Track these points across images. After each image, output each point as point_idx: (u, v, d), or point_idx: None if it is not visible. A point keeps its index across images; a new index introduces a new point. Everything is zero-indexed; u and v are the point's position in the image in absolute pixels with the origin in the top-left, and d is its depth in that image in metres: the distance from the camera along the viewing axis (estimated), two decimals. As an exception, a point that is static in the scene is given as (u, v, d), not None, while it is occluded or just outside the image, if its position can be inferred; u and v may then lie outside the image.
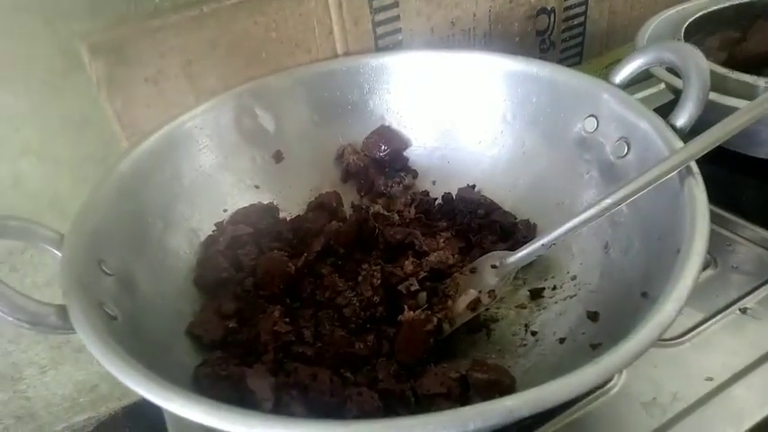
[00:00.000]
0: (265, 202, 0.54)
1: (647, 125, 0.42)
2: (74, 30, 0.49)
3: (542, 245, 0.41)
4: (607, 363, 0.27)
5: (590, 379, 0.26)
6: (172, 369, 0.37)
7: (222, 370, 0.37)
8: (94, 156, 0.56)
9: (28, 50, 0.49)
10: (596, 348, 0.36)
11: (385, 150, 0.56)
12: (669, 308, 0.29)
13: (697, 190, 0.36)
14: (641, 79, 0.67)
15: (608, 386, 0.45)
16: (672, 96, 0.61)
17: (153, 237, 0.45)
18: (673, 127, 0.41)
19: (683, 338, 0.47)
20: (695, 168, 0.37)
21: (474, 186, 0.54)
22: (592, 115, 0.47)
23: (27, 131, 0.52)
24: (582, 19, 0.72)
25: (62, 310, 0.32)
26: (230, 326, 0.43)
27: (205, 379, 0.36)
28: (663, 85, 0.69)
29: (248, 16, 0.52)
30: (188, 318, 0.43)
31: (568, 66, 0.75)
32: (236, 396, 0.35)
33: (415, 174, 0.58)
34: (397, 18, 0.59)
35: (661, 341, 0.47)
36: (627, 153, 0.44)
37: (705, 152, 0.37)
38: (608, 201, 0.38)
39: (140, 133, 0.50)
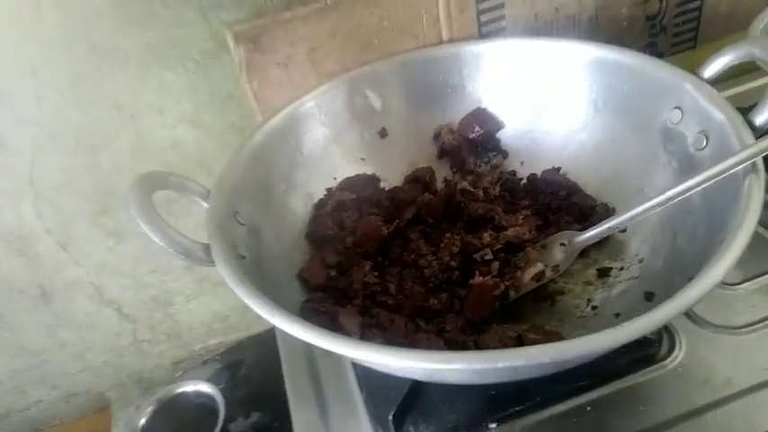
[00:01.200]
0: (369, 173, 0.62)
1: (724, 120, 0.44)
2: (222, 19, 0.60)
3: (608, 227, 0.46)
4: (630, 328, 0.32)
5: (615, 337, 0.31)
6: (284, 303, 0.47)
7: (321, 306, 0.46)
8: (235, 125, 0.68)
9: (185, 36, 0.60)
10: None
11: (478, 131, 0.61)
12: (693, 294, 0.33)
13: (755, 185, 0.38)
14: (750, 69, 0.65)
15: (662, 362, 0.48)
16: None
17: (277, 196, 0.55)
18: (750, 124, 0.43)
19: (752, 328, 0.49)
20: (760, 165, 0.39)
21: (559, 169, 0.58)
22: (677, 107, 0.49)
23: (184, 103, 0.64)
24: (698, 3, 0.71)
25: (207, 248, 0.43)
26: (331, 274, 0.52)
27: (308, 312, 0.46)
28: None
29: (364, 7, 0.59)
30: (299, 265, 0.53)
31: (681, 50, 0.74)
32: (330, 328, 0.44)
33: (505, 154, 0.62)
34: (501, 5, 0.63)
35: (729, 328, 0.50)
36: (705, 146, 0.46)
37: None
38: (671, 192, 0.42)
39: (272, 109, 0.60)
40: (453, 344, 0.44)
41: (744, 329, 0.49)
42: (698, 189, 0.40)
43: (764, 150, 0.39)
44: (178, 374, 0.90)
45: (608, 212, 0.54)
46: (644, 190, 0.52)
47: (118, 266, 0.74)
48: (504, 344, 0.44)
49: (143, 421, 0.68)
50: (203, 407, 0.69)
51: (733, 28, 0.75)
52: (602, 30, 0.69)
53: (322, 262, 0.53)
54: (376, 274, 0.50)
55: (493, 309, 0.47)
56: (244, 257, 0.45)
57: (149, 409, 0.69)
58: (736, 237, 0.35)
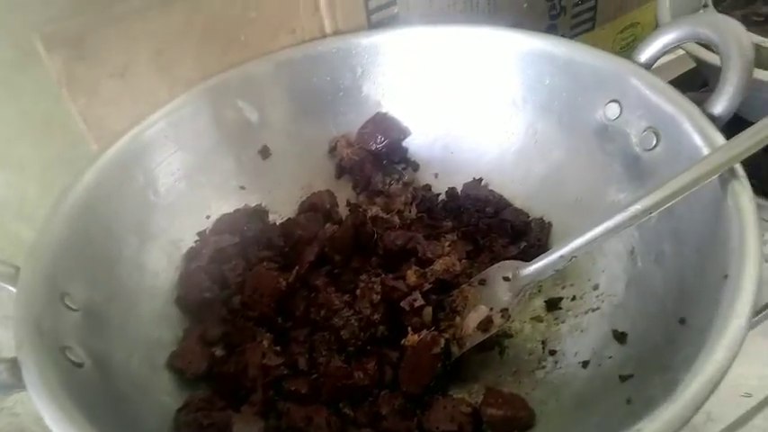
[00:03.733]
0: (252, 205, 0.49)
1: (679, 114, 0.37)
2: (26, 20, 0.44)
3: (561, 256, 0.36)
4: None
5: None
6: (150, 414, 0.34)
7: (205, 417, 0.33)
8: (62, 157, 0.51)
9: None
10: (626, 381, 0.32)
11: (382, 141, 0.51)
12: (720, 357, 0.25)
13: (744, 199, 0.31)
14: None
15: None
16: (693, 64, 0.54)
17: (126, 256, 0.40)
18: (710, 116, 0.36)
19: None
20: (741, 171, 0.32)
21: (481, 180, 0.49)
22: (614, 100, 0.42)
23: (-15, 135, 0.47)
24: (596, -21, 0.66)
25: (14, 365, 0.28)
26: (216, 354, 0.39)
27: (186, 428, 0.32)
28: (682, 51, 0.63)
29: (223, -5, 0.46)
30: (169, 347, 0.39)
31: (581, 32, 0.69)
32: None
33: (415, 166, 0.52)
34: (392, -11, 0.53)
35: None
36: (656, 145, 0.39)
37: (754, 150, 0.32)
38: (637, 206, 0.33)
39: (109, 134, 0.45)
40: (394, 435, 0.34)
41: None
42: (673, 202, 0.32)
43: (746, 151, 0.31)
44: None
45: (544, 228, 0.46)
46: (582, 199, 0.45)
47: None
48: (457, 424, 0.34)
49: None
50: None
51: (626, 8, 0.71)
52: (501, 13, 0.61)
53: (201, 339, 0.39)
54: (277, 348, 0.38)
55: (435, 374, 0.37)
56: (80, 364, 0.31)
57: None
58: (743, 271, 0.27)
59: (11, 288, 0.33)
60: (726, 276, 0.28)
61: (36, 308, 0.31)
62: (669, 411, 0.24)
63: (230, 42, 0.48)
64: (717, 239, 0.31)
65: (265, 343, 0.38)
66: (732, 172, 0.32)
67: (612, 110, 0.42)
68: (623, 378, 0.32)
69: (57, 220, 0.36)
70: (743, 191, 0.31)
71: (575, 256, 0.35)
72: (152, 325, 0.39)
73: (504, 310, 0.37)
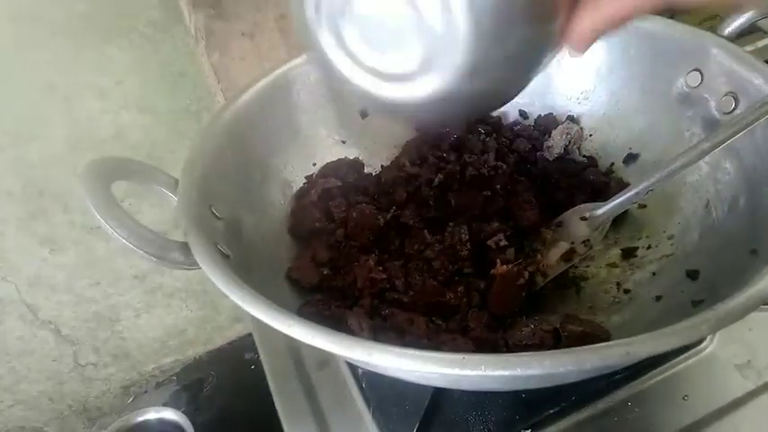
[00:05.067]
0: (351, 158, 0.55)
1: (759, 79, 0.40)
2: (174, -17, 0.51)
3: (636, 193, 0.41)
4: (720, 312, 0.27)
5: (708, 326, 0.26)
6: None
7: (326, 310, 0.38)
8: (190, 109, 0.59)
9: (130, 4, 0.51)
10: (699, 305, 0.35)
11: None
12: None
13: None
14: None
15: (700, 346, 0.44)
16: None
17: (253, 186, 0.47)
18: (787, 79, 0.39)
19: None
20: None
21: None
22: (696, 69, 0.45)
23: (129, 84, 0.55)
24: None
25: (185, 247, 0.34)
26: (325, 272, 0.45)
27: (310, 317, 0.38)
28: (763, 42, 0.65)
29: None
30: (286, 263, 0.45)
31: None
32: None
33: (497, 127, 0.57)
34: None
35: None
36: (734, 108, 0.42)
37: None
38: (705, 145, 0.38)
39: (235, 87, 0.52)
40: (482, 344, 0.38)
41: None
42: (736, 137, 0.36)
43: None
44: (129, 400, 0.80)
45: (623, 189, 0.49)
46: (662, 162, 0.48)
47: (54, 280, 0.64)
48: (540, 339, 0.38)
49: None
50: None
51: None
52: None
53: (312, 259, 0.45)
54: (381, 268, 0.43)
55: (520, 300, 0.42)
56: (228, 257, 0.37)
57: (103, 446, 0.59)
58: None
59: (172, 195, 0.39)
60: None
61: (193, 209, 0.38)
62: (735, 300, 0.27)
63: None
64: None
65: (371, 261, 0.43)
66: None
67: (694, 78, 0.45)
68: (695, 303, 0.36)
69: (202, 147, 0.43)
70: None
71: (650, 190, 0.39)
72: (273, 244, 0.46)
73: (587, 241, 0.42)
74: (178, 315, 0.77)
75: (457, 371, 0.26)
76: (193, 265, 0.34)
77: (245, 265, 0.39)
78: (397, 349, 0.26)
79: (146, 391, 0.80)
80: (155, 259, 0.33)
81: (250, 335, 0.82)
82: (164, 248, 0.34)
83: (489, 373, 0.26)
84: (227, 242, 0.38)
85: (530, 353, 0.26)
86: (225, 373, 0.81)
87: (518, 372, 0.26)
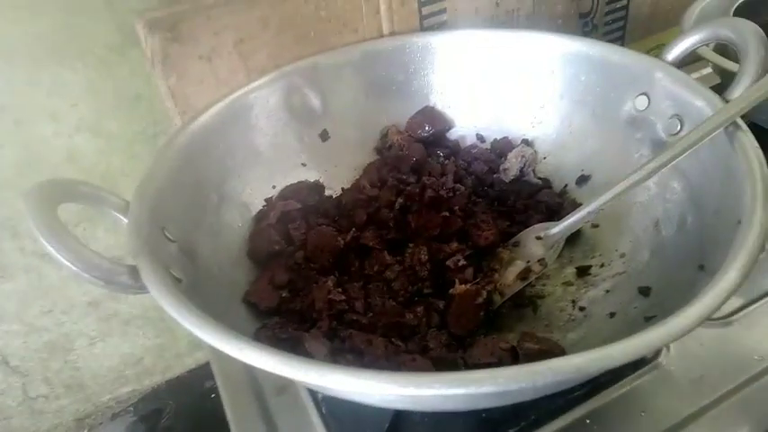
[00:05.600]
0: (311, 180, 0.55)
1: (701, 102, 0.42)
2: (131, 7, 0.51)
3: (588, 212, 0.42)
4: (671, 326, 0.28)
5: (660, 337, 0.27)
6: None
7: (282, 333, 0.38)
8: (146, 132, 0.58)
9: (87, 26, 0.50)
10: (651, 320, 0.36)
11: (429, 130, 0.57)
12: (732, 276, 0.29)
13: (750, 149, 0.36)
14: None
15: (654, 363, 0.45)
16: (718, 80, 0.60)
17: (209, 209, 0.46)
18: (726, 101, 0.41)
19: (731, 318, 0.47)
20: (743, 125, 0.37)
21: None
22: (643, 93, 0.47)
23: (83, 107, 0.54)
24: (625, 2, 0.72)
25: (134, 271, 0.34)
26: (283, 295, 0.44)
27: (266, 341, 0.38)
28: (707, 70, 0.68)
29: (299, -5, 0.53)
30: (243, 287, 0.44)
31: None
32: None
33: (456, 153, 0.58)
34: (443, -2, 0.59)
35: (709, 320, 0.47)
36: (680, 130, 0.44)
37: (752, 106, 0.37)
38: (652, 165, 0.39)
39: (192, 110, 0.51)
40: (441, 363, 0.38)
41: (725, 320, 0.47)
42: (683, 155, 0.38)
43: (746, 107, 0.37)
44: (83, 434, 0.76)
45: (576, 208, 0.50)
46: (613, 182, 0.50)
47: (2, 309, 0.61)
48: (498, 358, 0.38)
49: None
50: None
51: (654, 29, 0.77)
52: (539, 27, 0.67)
53: (270, 282, 0.45)
54: (340, 290, 0.43)
55: (479, 320, 0.42)
56: (180, 281, 0.36)
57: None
58: (754, 212, 0.32)
59: (122, 217, 0.38)
60: (739, 222, 0.33)
61: (144, 232, 0.37)
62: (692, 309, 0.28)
63: (301, 37, 0.55)
64: (731, 195, 0.35)
65: (330, 283, 0.43)
66: (736, 126, 0.37)
67: (641, 102, 0.47)
68: (648, 319, 0.37)
69: (156, 169, 0.42)
70: (746, 138, 0.36)
71: (602, 209, 0.40)
72: (229, 268, 0.45)
73: (542, 260, 0.42)
74: (135, 343, 0.74)
75: (411, 390, 0.26)
76: (142, 289, 0.33)
77: (198, 289, 0.38)
78: (353, 370, 0.26)
79: (101, 423, 0.77)
80: (102, 283, 0.32)
81: (209, 363, 0.80)
82: (111, 272, 0.33)
83: (444, 392, 0.26)
84: (180, 266, 0.38)
85: (483, 370, 0.25)
86: (184, 402, 0.78)
87: (472, 390, 0.26)
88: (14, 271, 0.59)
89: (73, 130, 0.54)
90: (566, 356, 0.26)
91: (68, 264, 0.31)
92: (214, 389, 0.77)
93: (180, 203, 0.43)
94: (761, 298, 0.48)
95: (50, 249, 0.31)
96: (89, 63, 0.52)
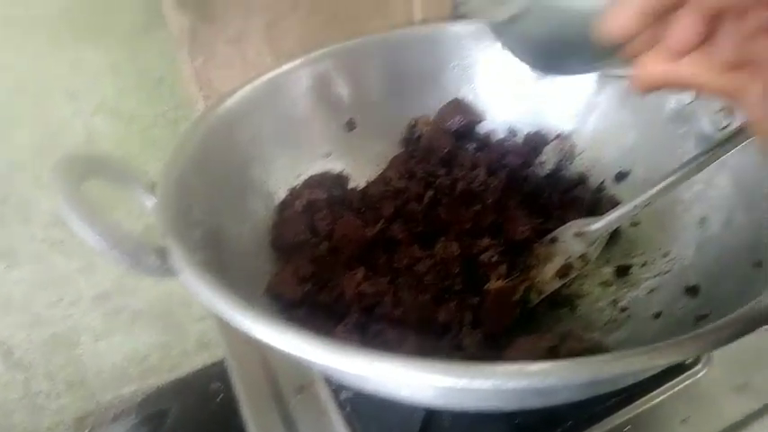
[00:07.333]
0: (336, 171, 0.53)
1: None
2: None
3: (633, 207, 0.40)
4: (731, 323, 0.26)
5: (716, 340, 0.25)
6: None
7: (310, 327, 0.36)
8: (166, 116, 0.56)
9: (112, 3, 0.48)
10: (703, 320, 0.34)
11: (460, 122, 0.55)
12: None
13: None
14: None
15: (694, 369, 0.43)
16: None
17: (233, 196, 0.44)
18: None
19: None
20: None
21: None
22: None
23: (104, 87, 0.52)
24: None
25: (162, 252, 0.32)
26: (307, 288, 0.42)
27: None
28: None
29: (330, -22, 0.51)
30: (266, 278, 0.42)
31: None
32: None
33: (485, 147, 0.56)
34: (475, -12, 0.58)
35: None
36: (728, 124, 0.42)
37: None
38: (698, 161, 0.37)
39: (216, 93, 0.50)
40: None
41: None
42: (730, 153, 0.36)
43: None
44: (85, 432, 0.74)
45: (615, 206, 0.48)
46: (653, 179, 0.48)
47: (8, 298, 0.59)
48: (538, 358, 0.36)
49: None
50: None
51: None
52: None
53: (295, 274, 0.43)
54: (369, 283, 0.41)
55: (514, 317, 0.40)
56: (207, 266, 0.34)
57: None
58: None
59: (146, 199, 0.37)
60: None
61: (172, 213, 0.35)
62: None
63: (331, 20, 0.53)
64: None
65: (359, 275, 0.41)
66: None
67: (686, 95, 0.45)
68: (699, 318, 0.35)
69: (183, 150, 0.40)
70: None
71: (646, 205, 0.38)
72: (253, 256, 0.43)
73: (583, 255, 0.40)
74: (141, 340, 0.72)
75: (466, 382, 0.24)
76: (168, 271, 0.31)
77: (225, 276, 0.36)
78: (404, 358, 0.24)
79: (102, 424, 0.75)
80: (129, 261, 0.30)
81: (216, 364, 0.78)
82: (140, 251, 0.31)
83: (494, 382, 0.24)
84: (204, 252, 0.36)
85: (545, 361, 0.24)
86: (188, 404, 0.76)
87: (536, 382, 0.24)
88: (23, 258, 0.57)
89: (93, 110, 0.53)
90: (613, 354, 0.24)
91: (97, 238, 0.29)
92: (220, 391, 0.75)
93: (204, 188, 0.41)
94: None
95: (77, 224, 0.29)
96: (112, 42, 0.50)
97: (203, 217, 0.39)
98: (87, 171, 0.33)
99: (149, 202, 0.37)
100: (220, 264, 0.37)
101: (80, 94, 0.50)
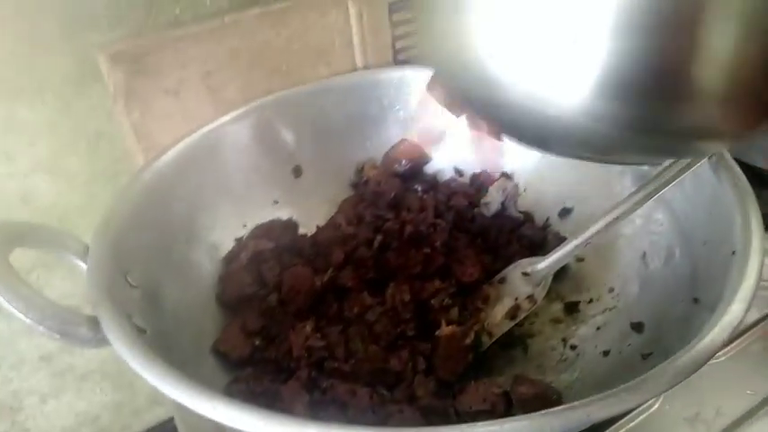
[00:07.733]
0: (284, 218, 0.52)
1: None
2: (92, 40, 0.48)
3: (575, 246, 0.41)
4: (682, 363, 0.26)
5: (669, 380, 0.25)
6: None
7: (257, 386, 0.35)
8: (106, 172, 0.55)
9: (44, 61, 0.47)
10: (648, 358, 0.35)
11: (406, 165, 0.55)
12: (736, 309, 0.28)
13: (737, 177, 0.35)
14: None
15: (647, 403, 0.43)
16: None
17: (175, 251, 0.43)
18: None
19: (719, 353, 0.46)
20: (727, 154, 0.37)
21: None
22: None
23: (40, 146, 0.50)
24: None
25: (93, 322, 0.30)
26: (257, 343, 0.41)
27: (239, 395, 0.34)
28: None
29: (271, 27, 0.51)
30: (211, 336, 0.41)
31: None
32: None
33: (434, 187, 0.56)
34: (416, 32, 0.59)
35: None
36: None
37: None
38: (637, 197, 0.38)
39: (157, 146, 0.49)
40: (430, 413, 0.36)
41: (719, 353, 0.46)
42: (670, 186, 0.37)
43: None
44: (31, 504, 0.69)
45: (560, 242, 0.49)
46: (595, 214, 0.49)
47: (-60, 367, 0.56)
48: (491, 405, 0.36)
49: None
50: None
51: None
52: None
53: (242, 329, 0.42)
54: (319, 335, 0.40)
55: (467, 362, 0.39)
56: (144, 331, 0.33)
57: None
58: (749, 242, 0.31)
59: (81, 263, 0.35)
60: (733, 252, 0.32)
61: (104, 278, 0.34)
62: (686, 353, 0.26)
63: (273, 70, 0.53)
64: (720, 226, 0.35)
65: (308, 328, 0.40)
66: (720, 158, 0.37)
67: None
68: (644, 356, 0.35)
69: (118, 209, 0.39)
70: (732, 167, 0.36)
71: (588, 242, 0.39)
72: (198, 313, 0.42)
73: (530, 297, 0.41)
74: (91, 400, 0.68)
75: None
76: (102, 342, 0.30)
77: (164, 339, 0.35)
78: (339, 427, 0.23)
79: (50, 491, 0.70)
80: (58, 336, 0.29)
81: (171, 419, 0.75)
82: (68, 323, 0.29)
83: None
84: (144, 314, 0.34)
85: (487, 422, 0.23)
86: (145, 463, 0.72)
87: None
88: (-43, 322, 0.54)
89: (28, 170, 0.51)
90: (570, 405, 0.24)
91: (20, 315, 0.27)
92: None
93: (143, 246, 0.40)
94: (748, 329, 0.47)
95: (1, 298, 0.27)
96: (47, 100, 0.49)
97: (142, 277, 0.37)
98: (14, 239, 0.32)
99: (84, 266, 0.35)
100: (162, 325, 0.36)
101: (15, 153, 0.49)
